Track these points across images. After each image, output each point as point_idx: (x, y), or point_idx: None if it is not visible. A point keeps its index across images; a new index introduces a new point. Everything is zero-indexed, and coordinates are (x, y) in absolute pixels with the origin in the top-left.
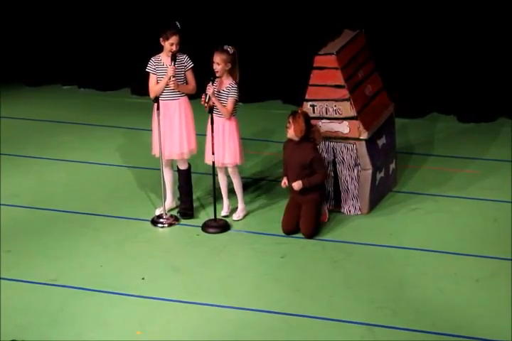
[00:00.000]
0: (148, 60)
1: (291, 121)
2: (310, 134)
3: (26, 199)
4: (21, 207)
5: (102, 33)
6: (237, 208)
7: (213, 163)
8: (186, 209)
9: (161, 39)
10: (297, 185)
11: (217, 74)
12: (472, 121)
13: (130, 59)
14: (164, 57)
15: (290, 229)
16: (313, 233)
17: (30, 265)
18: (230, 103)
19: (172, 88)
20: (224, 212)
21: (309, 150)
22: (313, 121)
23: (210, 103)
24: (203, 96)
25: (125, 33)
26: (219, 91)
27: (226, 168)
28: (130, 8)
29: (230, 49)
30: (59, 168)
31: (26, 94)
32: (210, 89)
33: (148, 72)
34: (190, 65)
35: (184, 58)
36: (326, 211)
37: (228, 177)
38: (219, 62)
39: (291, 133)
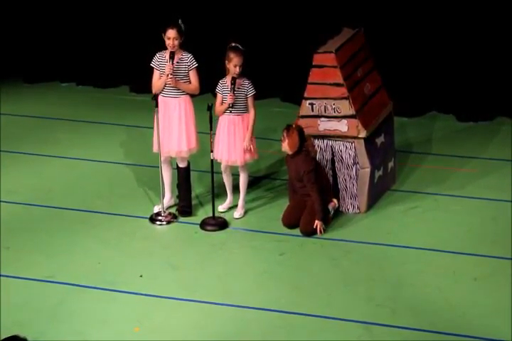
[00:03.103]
0: (147, 57)
1: (285, 135)
2: (304, 147)
3: (25, 195)
4: (20, 203)
5: (100, 30)
6: (236, 206)
7: (212, 160)
8: (185, 206)
9: (163, 34)
10: (319, 224)
11: (236, 75)
12: (471, 120)
13: (129, 57)
14: (167, 54)
15: (290, 222)
16: (311, 232)
17: (28, 261)
18: (252, 101)
19: (171, 85)
20: (222, 207)
21: (301, 163)
22: (307, 121)
23: (223, 107)
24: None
25: (124, 31)
26: (235, 91)
27: (233, 166)
28: (129, 6)
29: (242, 47)
30: (57, 164)
31: (25, 91)
32: (231, 98)
33: (153, 67)
34: (194, 64)
35: (188, 57)
36: (331, 215)
37: (233, 174)
38: (242, 64)
39: (285, 147)
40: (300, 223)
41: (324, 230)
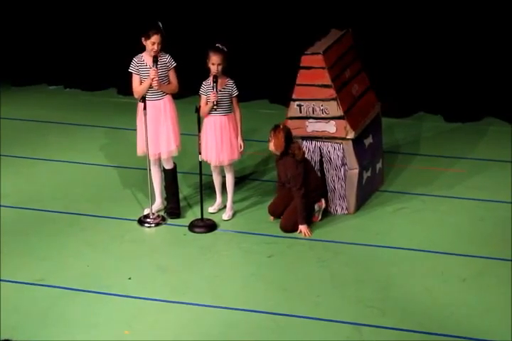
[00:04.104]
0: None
1: (272, 135)
2: (290, 149)
3: (13, 199)
4: (8, 207)
5: (87, 33)
6: (224, 207)
7: (200, 162)
8: (173, 208)
9: (143, 39)
10: (302, 228)
11: (217, 75)
12: (459, 120)
13: (116, 59)
14: (146, 57)
15: (274, 211)
16: (290, 228)
17: (17, 265)
18: (236, 101)
19: (156, 89)
20: (212, 208)
21: (289, 166)
22: (295, 123)
23: (208, 107)
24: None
25: (111, 33)
26: (219, 91)
27: (221, 166)
28: (116, 8)
29: (224, 48)
30: (46, 167)
31: (12, 94)
32: (214, 96)
33: (131, 73)
34: (173, 64)
35: (167, 58)
36: (319, 216)
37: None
38: (219, 63)
39: (271, 147)
40: (281, 219)
41: (310, 232)
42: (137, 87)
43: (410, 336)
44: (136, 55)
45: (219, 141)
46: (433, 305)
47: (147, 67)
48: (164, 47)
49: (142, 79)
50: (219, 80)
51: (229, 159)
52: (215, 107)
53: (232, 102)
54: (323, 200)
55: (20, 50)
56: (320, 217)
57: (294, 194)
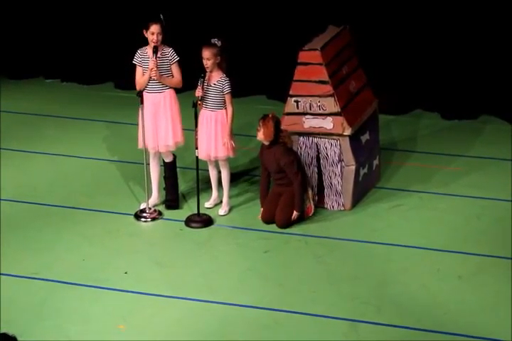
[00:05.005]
0: (133, 53)
1: (260, 124)
2: (279, 139)
3: (9, 192)
4: (4, 200)
5: (85, 26)
6: (221, 202)
7: (197, 157)
8: (171, 201)
9: (144, 31)
10: (295, 216)
11: (207, 70)
12: (455, 118)
13: (114, 53)
14: (150, 50)
15: (269, 218)
16: (285, 223)
17: (12, 258)
18: (228, 98)
19: (156, 80)
20: (208, 203)
21: (280, 155)
22: (292, 119)
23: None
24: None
25: (109, 27)
26: (210, 86)
27: (216, 161)
28: (114, 2)
29: (217, 42)
30: (42, 161)
31: (9, 87)
32: (200, 91)
33: (135, 64)
34: (176, 58)
35: (169, 51)
36: (312, 205)
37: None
38: (209, 58)
39: (260, 136)
40: (275, 216)
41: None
42: (139, 79)
43: (406, 333)
44: (135, 49)
45: (204, 135)
46: (429, 302)
47: (149, 59)
48: (167, 41)
49: (144, 71)
50: (212, 75)
51: (216, 156)
52: (199, 102)
53: (224, 99)
54: (310, 191)
55: (18, 43)
56: (313, 208)
57: (293, 180)
